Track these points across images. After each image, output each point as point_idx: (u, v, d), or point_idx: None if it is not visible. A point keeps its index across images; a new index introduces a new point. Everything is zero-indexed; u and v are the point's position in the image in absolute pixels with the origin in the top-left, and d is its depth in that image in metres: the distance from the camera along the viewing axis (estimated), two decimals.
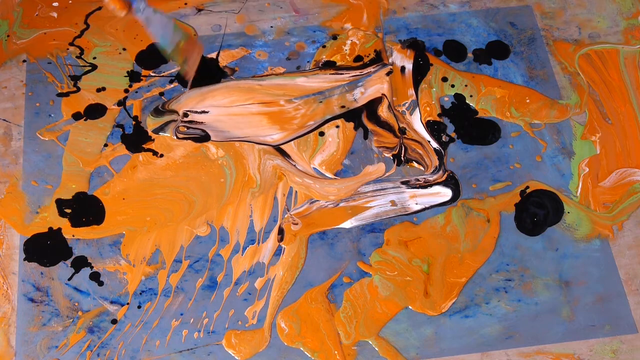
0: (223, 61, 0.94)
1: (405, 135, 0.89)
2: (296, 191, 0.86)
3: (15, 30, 0.95)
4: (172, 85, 0.92)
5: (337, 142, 0.89)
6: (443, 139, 0.89)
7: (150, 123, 0.89)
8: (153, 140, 0.88)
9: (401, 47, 0.95)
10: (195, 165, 0.87)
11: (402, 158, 0.88)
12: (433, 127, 0.90)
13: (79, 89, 0.91)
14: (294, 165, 0.87)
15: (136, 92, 0.91)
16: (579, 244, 0.83)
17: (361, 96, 0.92)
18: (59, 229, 0.82)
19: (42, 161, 0.86)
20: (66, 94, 0.91)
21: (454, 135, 0.89)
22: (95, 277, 0.80)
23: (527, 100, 0.92)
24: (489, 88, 0.93)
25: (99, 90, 0.91)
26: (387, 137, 0.89)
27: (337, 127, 0.90)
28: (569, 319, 0.79)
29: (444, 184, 0.86)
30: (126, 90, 0.91)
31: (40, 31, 0.95)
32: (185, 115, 0.89)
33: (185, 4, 0.98)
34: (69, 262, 0.81)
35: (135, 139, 0.88)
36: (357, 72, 0.93)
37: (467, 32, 0.97)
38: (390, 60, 0.94)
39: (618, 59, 0.95)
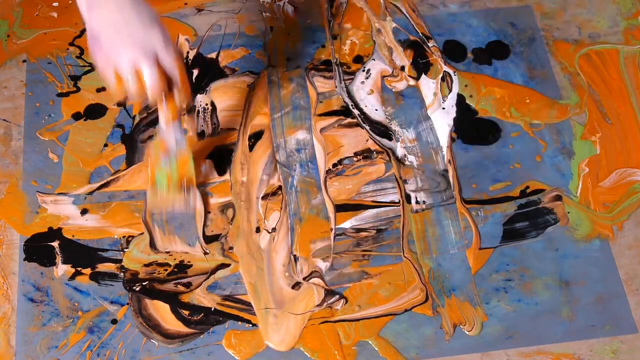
0: (223, 61, 0.94)
1: None
2: None
3: (15, 30, 0.95)
4: None
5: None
6: None
7: None
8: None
9: (401, 47, 0.95)
10: None
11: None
12: None
13: (79, 89, 0.91)
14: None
15: None
16: (579, 244, 0.82)
17: None
18: (59, 229, 0.82)
19: (42, 161, 0.86)
20: (66, 94, 0.91)
21: (454, 135, 0.89)
22: (95, 277, 0.80)
23: (527, 100, 0.92)
24: (489, 88, 0.92)
25: (99, 90, 0.91)
26: None
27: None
28: (569, 319, 0.78)
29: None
30: None
31: (40, 31, 0.95)
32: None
33: (185, 4, 0.98)
34: None
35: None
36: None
37: (467, 32, 0.97)
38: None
39: (618, 59, 0.95)
